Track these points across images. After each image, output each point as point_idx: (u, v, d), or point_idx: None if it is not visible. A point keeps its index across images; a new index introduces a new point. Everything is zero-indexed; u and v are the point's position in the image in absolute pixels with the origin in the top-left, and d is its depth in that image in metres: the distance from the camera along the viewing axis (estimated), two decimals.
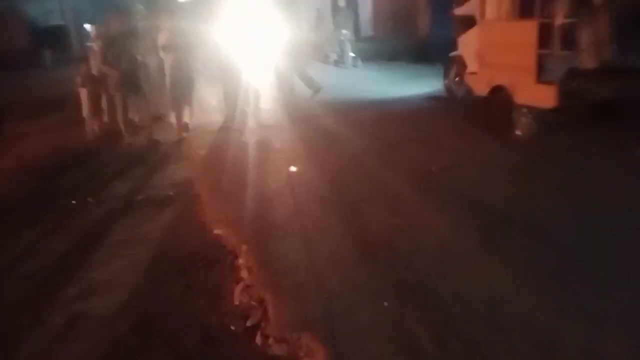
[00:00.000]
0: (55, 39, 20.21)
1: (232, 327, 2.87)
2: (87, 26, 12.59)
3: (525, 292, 2.90)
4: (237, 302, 3.12)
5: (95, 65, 7.24)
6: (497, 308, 2.78)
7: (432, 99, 8.63)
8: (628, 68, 5.00)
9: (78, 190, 5.34)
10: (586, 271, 3.04)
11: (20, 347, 2.92)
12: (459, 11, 7.56)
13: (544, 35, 5.40)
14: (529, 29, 5.56)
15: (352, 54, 13.52)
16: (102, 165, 6.35)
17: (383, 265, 3.31)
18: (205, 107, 8.41)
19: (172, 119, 7.18)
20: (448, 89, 8.36)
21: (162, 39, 6.84)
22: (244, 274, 3.43)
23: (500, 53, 6.22)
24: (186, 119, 7.23)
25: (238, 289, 3.25)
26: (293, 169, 5.30)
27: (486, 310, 2.77)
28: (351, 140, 6.23)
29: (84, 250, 4.04)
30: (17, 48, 16.58)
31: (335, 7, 14.49)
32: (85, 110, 7.40)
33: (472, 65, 7.08)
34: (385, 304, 2.90)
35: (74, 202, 5.05)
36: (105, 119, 7.53)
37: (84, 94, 7.33)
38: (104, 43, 6.59)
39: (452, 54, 7.93)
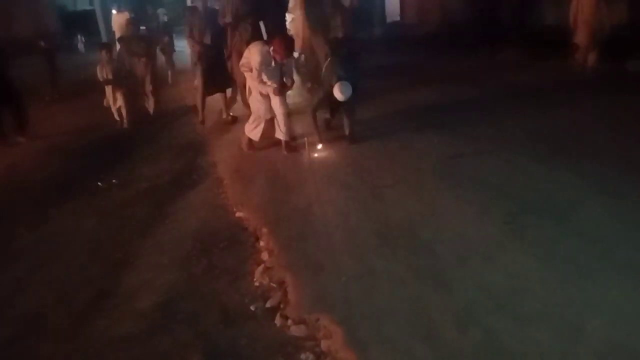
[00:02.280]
0: (83, 24, 20.53)
1: (252, 308, 2.91)
2: (114, 11, 12.70)
3: (548, 280, 2.86)
4: (257, 283, 3.15)
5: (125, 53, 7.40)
6: (519, 296, 2.74)
7: None
8: None
9: (104, 172, 5.44)
10: (612, 261, 2.97)
11: (47, 322, 3.01)
12: None
13: None
14: None
15: None
16: (128, 148, 6.45)
17: (403, 251, 3.29)
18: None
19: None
20: None
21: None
22: (264, 255, 3.46)
23: None
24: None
25: (258, 270, 3.28)
26: (316, 154, 5.29)
27: (507, 297, 2.73)
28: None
29: (109, 230, 4.13)
30: (47, 32, 16.84)
31: None
32: (110, 102, 7.40)
33: None
34: (405, 288, 2.89)
35: (99, 183, 5.14)
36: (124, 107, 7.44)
37: (108, 88, 7.32)
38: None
39: None
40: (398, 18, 16.12)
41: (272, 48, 5.15)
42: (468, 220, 3.62)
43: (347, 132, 5.60)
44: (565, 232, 3.34)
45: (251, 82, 5.43)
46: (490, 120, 5.89)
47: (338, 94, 5.16)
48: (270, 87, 5.25)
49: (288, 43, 5.22)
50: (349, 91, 5.15)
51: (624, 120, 5.49)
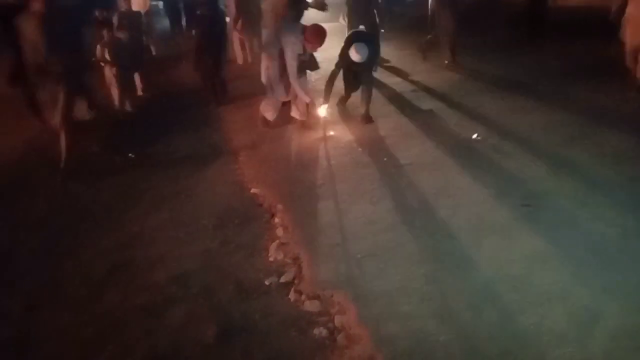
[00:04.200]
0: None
1: (267, 283, 2.93)
2: None
3: (564, 263, 2.82)
4: (272, 259, 3.16)
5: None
6: (535, 278, 2.72)
7: None
8: None
9: (120, 147, 5.46)
10: (631, 245, 2.93)
11: (63, 292, 3.06)
12: None
13: None
14: None
15: None
16: (144, 123, 6.46)
17: (419, 230, 3.28)
18: None
19: None
20: None
21: None
22: (279, 232, 3.46)
23: None
24: None
25: (273, 246, 3.29)
26: (331, 132, 5.26)
27: (524, 279, 2.71)
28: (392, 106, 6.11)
29: (126, 203, 4.16)
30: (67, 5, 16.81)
31: None
32: (109, 82, 6.98)
33: None
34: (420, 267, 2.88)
35: (116, 157, 5.18)
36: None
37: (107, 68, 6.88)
38: None
39: None
40: None
41: (304, 36, 5.07)
42: (485, 201, 3.59)
43: (362, 110, 5.55)
44: (583, 215, 3.29)
45: (272, 63, 5.37)
46: (511, 103, 5.78)
47: (354, 54, 5.16)
48: (293, 69, 5.13)
49: (321, 33, 5.14)
50: (365, 52, 5.16)
51: None
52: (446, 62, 7.69)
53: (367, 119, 5.51)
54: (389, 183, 4.01)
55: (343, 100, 6.01)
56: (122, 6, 7.93)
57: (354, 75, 5.60)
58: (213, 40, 6.72)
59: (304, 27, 5.14)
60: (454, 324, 2.45)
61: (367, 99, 5.52)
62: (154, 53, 12.14)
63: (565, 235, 3.08)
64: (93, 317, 2.80)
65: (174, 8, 15.34)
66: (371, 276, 2.84)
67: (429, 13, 7.71)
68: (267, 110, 5.56)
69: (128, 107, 7.00)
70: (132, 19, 7.63)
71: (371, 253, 3.06)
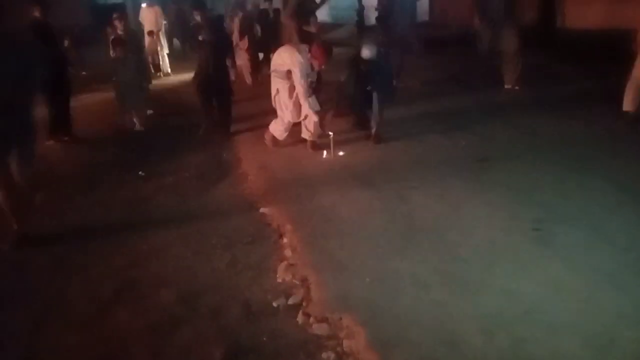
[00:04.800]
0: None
1: (275, 304, 2.90)
2: (144, 5, 12.85)
3: (577, 288, 2.78)
4: (280, 280, 3.14)
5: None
6: (548, 304, 2.68)
7: None
8: None
9: (130, 164, 5.50)
10: None
11: (72, 311, 3.05)
12: None
13: None
14: None
15: None
16: (154, 142, 6.52)
17: (429, 253, 3.25)
18: None
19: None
20: None
21: None
22: (287, 252, 3.45)
23: None
24: None
25: (282, 267, 3.27)
26: (341, 153, 5.27)
27: (536, 305, 2.67)
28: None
29: (135, 221, 4.17)
30: (79, 25, 17.10)
31: None
32: (117, 101, 7.18)
33: None
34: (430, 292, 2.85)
35: (126, 175, 5.21)
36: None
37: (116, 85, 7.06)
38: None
39: None
40: (427, 18, 15.96)
41: (310, 54, 5.14)
42: (495, 225, 3.56)
43: (373, 131, 5.56)
44: (595, 240, 3.26)
45: (281, 85, 5.41)
46: (519, 124, 5.78)
47: (366, 52, 5.32)
48: (304, 89, 5.17)
49: (327, 49, 5.20)
50: (374, 49, 5.33)
51: None
52: (508, 86, 7.49)
53: (378, 139, 5.51)
54: (398, 205, 3.99)
55: (355, 123, 6.00)
56: (118, 28, 8.04)
57: (365, 89, 5.44)
58: (216, 66, 6.30)
59: (310, 44, 5.21)
60: (464, 350, 2.40)
61: (379, 118, 5.52)
62: (166, 72, 12.32)
63: (577, 260, 3.04)
64: (100, 337, 2.78)
65: (184, 27, 15.61)
66: (380, 300, 2.81)
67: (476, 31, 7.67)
68: (277, 130, 5.59)
69: (138, 126, 7.08)
70: (133, 39, 7.81)
71: (380, 277, 3.03)
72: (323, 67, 5.28)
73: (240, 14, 9.64)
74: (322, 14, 9.08)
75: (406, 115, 6.60)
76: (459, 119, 6.20)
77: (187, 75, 9.67)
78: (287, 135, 5.58)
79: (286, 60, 5.24)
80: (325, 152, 5.29)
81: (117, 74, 6.98)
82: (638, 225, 3.40)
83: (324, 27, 8.99)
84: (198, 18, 6.53)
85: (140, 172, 5.24)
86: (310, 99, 5.21)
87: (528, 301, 2.71)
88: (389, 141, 5.51)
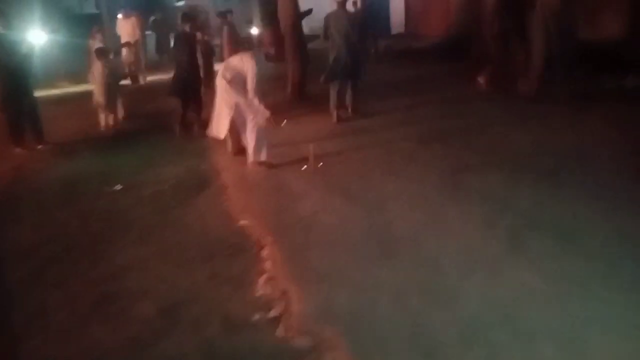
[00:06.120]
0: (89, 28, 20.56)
1: (255, 317, 2.90)
2: (120, 16, 12.79)
3: (552, 296, 2.86)
4: (260, 293, 3.15)
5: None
6: (524, 311, 2.74)
7: None
8: None
9: (107, 176, 5.45)
10: (617, 281, 2.97)
11: (51, 324, 3.01)
12: None
13: None
14: None
15: None
16: (131, 152, 6.47)
17: (407, 263, 3.30)
18: None
19: None
20: None
21: None
22: (268, 264, 3.46)
23: None
24: None
25: (262, 279, 3.27)
26: (321, 164, 5.31)
27: (512, 313, 2.73)
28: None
29: (114, 234, 4.13)
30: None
31: None
32: (99, 101, 7.62)
33: None
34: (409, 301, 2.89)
35: (106, 188, 5.16)
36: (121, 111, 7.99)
37: (99, 85, 7.55)
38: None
39: None
40: (403, 30, 16.21)
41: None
42: (472, 233, 3.63)
43: (349, 106, 7.06)
44: (569, 248, 3.35)
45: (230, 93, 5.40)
46: (496, 133, 5.91)
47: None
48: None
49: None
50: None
51: (624, 135, 5.50)
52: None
53: (356, 110, 7.07)
54: (378, 214, 4.05)
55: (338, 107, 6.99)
56: (97, 37, 8.44)
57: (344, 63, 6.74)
58: (193, 68, 7.12)
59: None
60: (444, 359, 2.45)
61: (355, 95, 7.04)
62: (142, 82, 12.25)
63: (551, 269, 3.12)
64: (80, 350, 2.75)
65: (162, 38, 15.70)
66: (360, 312, 2.84)
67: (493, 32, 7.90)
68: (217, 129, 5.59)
69: (118, 120, 7.68)
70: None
71: (360, 287, 3.06)
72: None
73: (226, 28, 9.69)
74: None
75: (383, 124, 6.70)
76: (436, 129, 6.31)
77: (163, 83, 9.71)
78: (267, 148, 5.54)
79: (242, 66, 5.28)
80: (305, 163, 5.33)
81: (99, 79, 7.51)
82: (608, 233, 3.50)
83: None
84: (187, 29, 7.16)
85: (118, 185, 5.19)
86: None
87: (505, 309, 2.77)
88: (367, 149, 5.57)
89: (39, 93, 7.51)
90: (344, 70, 6.81)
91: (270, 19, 9.62)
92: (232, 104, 5.38)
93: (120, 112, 8.00)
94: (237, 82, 5.29)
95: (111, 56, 7.89)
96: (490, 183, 4.50)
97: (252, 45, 6.60)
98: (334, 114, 6.94)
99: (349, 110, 7.13)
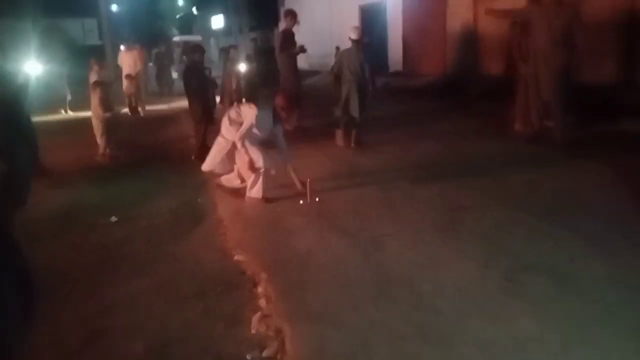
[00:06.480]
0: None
1: (248, 357, 2.84)
2: (122, 48, 13.01)
3: (548, 340, 2.82)
4: (254, 331, 3.09)
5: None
6: (519, 355, 2.70)
7: None
8: None
9: (102, 208, 5.43)
10: (616, 326, 2.94)
11: None
12: None
13: None
14: None
15: None
16: (128, 183, 6.47)
17: (403, 304, 3.26)
18: None
19: None
20: None
21: None
22: (262, 302, 3.41)
23: None
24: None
25: (256, 317, 3.22)
26: (317, 199, 5.31)
27: (508, 356, 2.69)
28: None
29: (106, 268, 4.08)
30: None
31: None
32: (98, 135, 7.78)
33: None
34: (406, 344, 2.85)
35: (100, 220, 5.13)
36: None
37: (98, 120, 7.73)
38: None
39: None
40: (400, 68, 16.50)
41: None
42: (468, 274, 3.61)
43: (353, 139, 7.54)
44: (565, 290, 3.32)
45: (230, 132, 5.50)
46: (491, 173, 5.94)
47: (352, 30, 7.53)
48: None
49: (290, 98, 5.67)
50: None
51: (619, 179, 5.54)
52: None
53: (358, 143, 7.48)
54: (374, 253, 4.02)
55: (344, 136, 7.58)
56: (95, 68, 8.66)
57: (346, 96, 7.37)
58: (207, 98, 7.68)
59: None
60: None
61: (358, 131, 7.47)
62: (142, 114, 12.35)
63: (548, 312, 3.09)
64: None
65: (163, 70, 15.94)
66: (355, 353, 2.79)
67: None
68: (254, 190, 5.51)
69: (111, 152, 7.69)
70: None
71: (355, 328, 3.02)
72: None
73: (230, 67, 9.98)
74: (300, 62, 9.36)
75: (380, 160, 6.74)
76: (433, 167, 6.35)
77: (163, 114, 9.77)
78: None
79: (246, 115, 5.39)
80: (301, 198, 5.33)
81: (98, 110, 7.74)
82: (605, 275, 3.49)
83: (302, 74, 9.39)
84: (197, 58, 7.60)
85: (113, 217, 5.16)
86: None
87: (501, 353, 2.73)
88: (363, 187, 5.58)
89: (39, 120, 7.63)
90: (352, 107, 7.37)
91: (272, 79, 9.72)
92: (229, 141, 5.53)
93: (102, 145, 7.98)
94: (239, 124, 5.42)
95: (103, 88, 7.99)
96: (486, 223, 4.50)
97: (267, 100, 6.82)
98: (341, 142, 7.67)
99: (352, 143, 7.58)
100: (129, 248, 4.45)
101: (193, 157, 7.22)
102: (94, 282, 3.85)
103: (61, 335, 3.17)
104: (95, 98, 7.70)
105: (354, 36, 7.46)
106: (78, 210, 5.51)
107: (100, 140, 7.79)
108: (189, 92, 7.39)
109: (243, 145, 5.25)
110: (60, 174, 6.99)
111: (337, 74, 7.52)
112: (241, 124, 5.33)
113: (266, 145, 5.50)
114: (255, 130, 5.32)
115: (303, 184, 5.46)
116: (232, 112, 5.57)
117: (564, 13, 6.84)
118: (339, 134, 7.67)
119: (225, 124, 5.58)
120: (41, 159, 6.69)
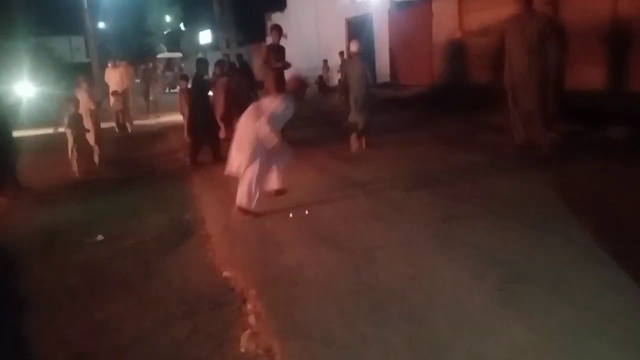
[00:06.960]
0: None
1: None
2: (109, 65, 12.96)
3: (542, 350, 2.77)
4: (243, 350, 3.02)
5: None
6: None
7: None
8: None
9: (88, 226, 5.34)
10: (611, 334, 2.90)
11: None
12: None
13: None
14: None
15: None
16: (115, 200, 6.38)
17: (395, 317, 3.20)
18: None
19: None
20: None
21: None
22: (251, 319, 3.34)
23: None
24: None
25: (245, 335, 3.15)
26: (307, 212, 5.26)
27: None
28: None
29: (92, 288, 4.01)
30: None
31: None
32: (70, 150, 7.86)
33: None
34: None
35: (87, 239, 5.05)
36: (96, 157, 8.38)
37: (69, 133, 7.82)
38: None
39: None
40: (388, 79, 16.58)
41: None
42: (461, 285, 3.56)
43: (364, 143, 8.06)
44: (558, 300, 3.28)
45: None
46: (482, 183, 5.93)
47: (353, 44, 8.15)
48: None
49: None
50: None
51: (607, 186, 5.54)
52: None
53: (370, 144, 8.01)
54: (365, 266, 3.97)
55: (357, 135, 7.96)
56: (82, 86, 8.62)
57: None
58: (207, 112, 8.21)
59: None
60: None
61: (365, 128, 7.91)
62: (129, 130, 12.28)
63: (542, 322, 3.05)
64: None
65: (149, 86, 15.98)
66: None
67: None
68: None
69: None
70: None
71: (347, 343, 2.96)
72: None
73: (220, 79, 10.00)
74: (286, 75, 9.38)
75: (370, 170, 6.71)
76: (423, 176, 6.32)
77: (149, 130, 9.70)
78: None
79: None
80: (291, 211, 5.27)
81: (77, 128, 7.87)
82: (598, 283, 3.45)
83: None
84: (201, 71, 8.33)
85: (99, 236, 5.08)
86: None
87: None
88: (356, 199, 5.54)
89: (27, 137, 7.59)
90: (358, 114, 7.91)
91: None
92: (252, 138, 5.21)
93: (74, 165, 7.98)
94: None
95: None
96: (477, 233, 4.46)
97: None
98: (355, 146, 8.11)
99: (363, 145, 8.10)
100: (115, 267, 4.37)
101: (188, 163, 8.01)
102: (80, 303, 3.77)
103: (47, 357, 3.09)
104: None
105: (354, 48, 8.12)
106: (63, 228, 5.42)
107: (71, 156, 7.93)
108: (195, 104, 8.11)
109: (268, 123, 5.02)
110: (44, 191, 6.89)
111: (344, 83, 8.18)
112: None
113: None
114: (279, 113, 5.14)
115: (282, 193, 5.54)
116: (252, 109, 5.27)
117: (537, 22, 6.89)
118: (353, 138, 8.03)
119: (245, 122, 5.23)
120: (18, 176, 6.66)
